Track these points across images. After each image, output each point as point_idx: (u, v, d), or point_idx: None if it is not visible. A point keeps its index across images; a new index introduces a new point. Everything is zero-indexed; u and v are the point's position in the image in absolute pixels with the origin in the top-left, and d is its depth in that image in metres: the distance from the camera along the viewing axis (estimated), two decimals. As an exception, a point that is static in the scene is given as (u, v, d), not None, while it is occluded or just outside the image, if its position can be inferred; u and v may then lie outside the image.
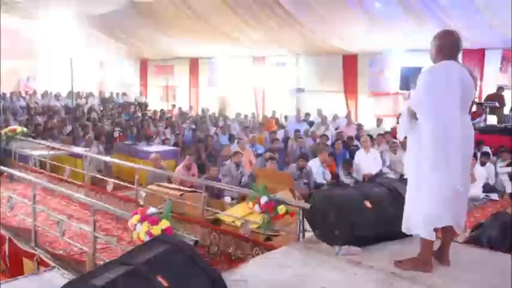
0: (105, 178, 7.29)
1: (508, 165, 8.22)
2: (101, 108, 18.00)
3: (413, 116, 3.06)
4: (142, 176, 7.15)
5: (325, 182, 8.40)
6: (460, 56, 3.16)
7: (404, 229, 3.16)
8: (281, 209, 4.27)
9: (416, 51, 12.09)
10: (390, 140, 9.77)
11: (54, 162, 8.05)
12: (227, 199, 6.88)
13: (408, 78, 10.87)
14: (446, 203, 2.99)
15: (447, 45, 3.06)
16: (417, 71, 10.61)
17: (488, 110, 10.96)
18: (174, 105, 18.40)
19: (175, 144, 10.55)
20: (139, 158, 9.36)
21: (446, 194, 2.97)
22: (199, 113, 17.34)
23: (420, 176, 3.03)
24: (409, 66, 11.26)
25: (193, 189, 5.93)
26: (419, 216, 3.02)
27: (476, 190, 7.84)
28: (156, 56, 20.34)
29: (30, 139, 8.95)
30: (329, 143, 10.42)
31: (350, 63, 14.68)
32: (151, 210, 3.46)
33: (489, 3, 9.38)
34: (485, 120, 10.96)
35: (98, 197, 6.19)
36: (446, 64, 3.04)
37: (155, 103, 20.41)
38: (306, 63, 15.94)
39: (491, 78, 11.92)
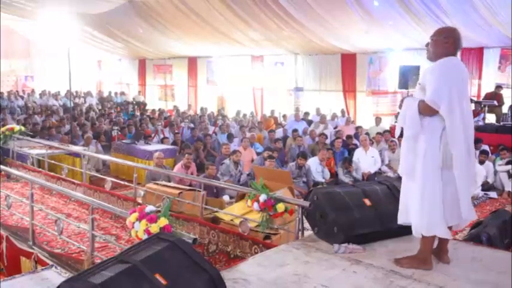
0: (103, 177, 7.27)
1: (506, 164, 8.23)
2: (99, 108, 18.00)
3: (430, 112, 2.93)
4: (140, 174, 7.14)
5: (323, 180, 8.40)
6: (458, 55, 3.16)
7: (415, 233, 3.05)
8: (280, 207, 4.25)
9: (415, 50, 12.12)
10: (389, 139, 9.79)
11: (52, 161, 8.03)
12: (226, 198, 6.88)
13: (407, 77, 10.87)
14: (456, 202, 2.96)
15: (454, 41, 3.03)
16: (416, 69, 10.71)
17: (486, 108, 10.98)
18: (175, 106, 18.35)
19: (173, 143, 10.54)
20: (138, 157, 9.34)
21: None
22: (198, 112, 17.33)
23: (433, 175, 2.92)
24: (408, 65, 11.26)
25: (192, 187, 5.91)
26: (433, 217, 2.93)
27: (475, 188, 7.84)
28: (155, 55, 20.33)
29: (29, 138, 8.92)
30: (328, 141, 10.42)
31: (349, 62, 14.70)
32: (150, 208, 3.44)
33: (488, 2, 9.37)
34: (483, 118, 10.98)
35: (96, 195, 6.17)
36: (456, 60, 3.06)
37: (154, 102, 20.41)
38: (305, 62, 15.94)
39: (490, 77, 11.95)
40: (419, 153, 2.98)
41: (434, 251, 3.14)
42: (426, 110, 2.94)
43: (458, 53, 3.12)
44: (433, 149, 2.93)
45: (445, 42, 3.02)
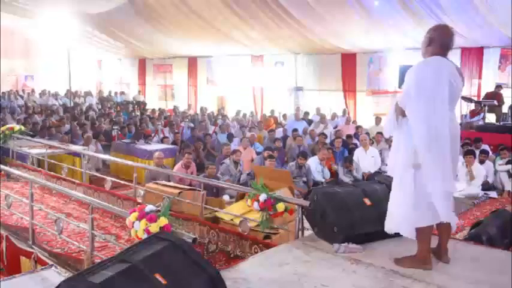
0: (103, 176, 7.26)
1: (507, 163, 8.23)
2: (99, 107, 17.99)
3: (401, 113, 3.00)
4: (140, 174, 7.13)
5: (323, 180, 8.40)
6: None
7: (386, 228, 3.14)
8: (280, 206, 4.24)
9: (415, 49, 12.10)
10: (389, 139, 9.77)
11: (52, 161, 8.02)
12: (226, 197, 6.87)
13: (407, 77, 10.88)
14: (430, 203, 2.92)
15: (439, 40, 2.99)
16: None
17: (486, 108, 10.98)
18: (175, 106, 18.33)
19: (173, 143, 10.55)
20: (138, 156, 9.35)
21: (430, 193, 2.90)
22: (198, 111, 17.33)
23: (405, 174, 2.98)
24: (408, 65, 11.24)
25: (192, 187, 5.90)
26: (400, 215, 3.01)
27: (475, 188, 7.84)
28: (155, 55, 20.32)
29: (28, 137, 8.91)
30: (328, 141, 10.42)
31: (349, 61, 14.70)
32: (150, 207, 3.43)
33: (488, 2, 9.37)
34: (483, 118, 10.98)
35: (96, 195, 6.16)
36: (435, 60, 2.97)
37: (154, 102, 20.41)
38: (305, 61, 15.94)
39: (490, 77, 11.95)
40: (398, 151, 3.08)
41: (434, 251, 3.14)
42: (398, 111, 3.03)
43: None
44: (406, 148, 2.99)
45: (430, 42, 3.01)
